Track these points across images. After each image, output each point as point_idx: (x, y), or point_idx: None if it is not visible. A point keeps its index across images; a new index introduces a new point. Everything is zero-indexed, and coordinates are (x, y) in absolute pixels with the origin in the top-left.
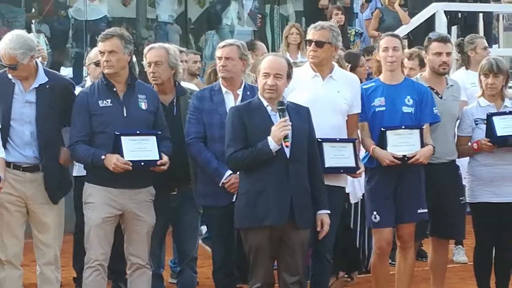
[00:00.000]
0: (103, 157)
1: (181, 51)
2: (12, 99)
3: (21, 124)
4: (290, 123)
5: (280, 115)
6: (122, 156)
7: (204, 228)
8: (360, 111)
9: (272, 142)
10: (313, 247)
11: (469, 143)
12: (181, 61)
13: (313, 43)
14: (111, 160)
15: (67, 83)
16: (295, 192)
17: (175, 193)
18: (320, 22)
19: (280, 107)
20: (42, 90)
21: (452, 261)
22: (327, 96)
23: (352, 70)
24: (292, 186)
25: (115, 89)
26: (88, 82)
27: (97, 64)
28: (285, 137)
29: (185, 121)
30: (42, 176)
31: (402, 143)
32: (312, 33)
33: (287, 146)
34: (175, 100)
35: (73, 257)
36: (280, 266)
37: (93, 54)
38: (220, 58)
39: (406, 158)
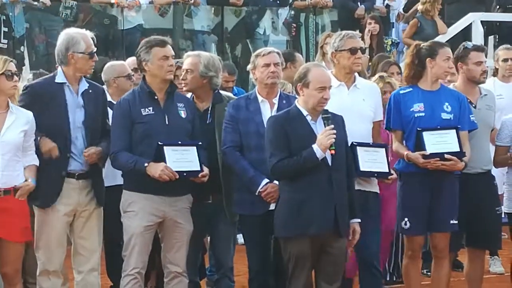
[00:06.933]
0: (146, 164)
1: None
2: (66, 104)
3: (75, 129)
4: (335, 131)
5: (325, 123)
6: None
7: (240, 237)
8: (381, 119)
9: (318, 150)
10: (358, 256)
11: (508, 153)
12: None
13: (359, 51)
14: (158, 168)
15: (103, 90)
16: (338, 201)
17: (209, 201)
18: (354, 32)
19: (325, 115)
20: (87, 95)
21: (489, 271)
22: (354, 104)
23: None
24: (335, 194)
25: (156, 97)
26: None
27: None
28: (331, 145)
29: (219, 130)
30: (91, 181)
31: (440, 142)
32: (356, 41)
33: (332, 154)
34: (210, 108)
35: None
36: (318, 275)
37: (122, 68)
38: (268, 64)
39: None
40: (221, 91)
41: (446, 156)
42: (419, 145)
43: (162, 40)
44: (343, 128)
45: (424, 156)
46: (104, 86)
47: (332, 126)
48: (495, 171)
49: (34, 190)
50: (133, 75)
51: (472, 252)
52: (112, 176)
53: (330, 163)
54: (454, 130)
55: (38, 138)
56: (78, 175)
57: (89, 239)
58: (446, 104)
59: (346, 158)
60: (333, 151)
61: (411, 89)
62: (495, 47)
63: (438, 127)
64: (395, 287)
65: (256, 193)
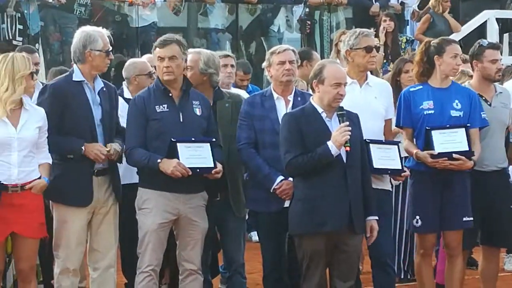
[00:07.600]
0: (159, 160)
1: (226, 56)
2: (89, 101)
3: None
4: (350, 128)
5: (340, 120)
6: None
7: (254, 234)
8: (393, 117)
9: (333, 147)
10: (371, 254)
11: None
12: (225, 65)
13: (374, 49)
14: (171, 164)
15: (115, 88)
16: (352, 197)
17: (218, 199)
18: (368, 30)
19: (340, 112)
20: (103, 93)
21: (503, 269)
22: (366, 102)
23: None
24: (350, 191)
25: (170, 95)
26: (125, 91)
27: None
28: (346, 141)
29: (221, 126)
30: (109, 178)
31: (449, 141)
32: (371, 39)
33: (347, 151)
34: (211, 106)
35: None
36: (333, 272)
37: (144, 65)
38: (283, 62)
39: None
40: (230, 89)
41: (454, 155)
42: (428, 143)
43: (164, 40)
44: (358, 125)
45: (433, 156)
46: (124, 83)
47: (347, 123)
48: (510, 169)
49: (63, 190)
50: (153, 72)
51: (486, 250)
52: (129, 174)
53: (345, 160)
54: (463, 129)
55: (82, 147)
56: (97, 172)
57: (106, 236)
58: (456, 101)
59: (362, 155)
60: (348, 148)
61: (421, 86)
62: (511, 44)
63: (447, 125)
64: (409, 285)
65: (271, 190)
